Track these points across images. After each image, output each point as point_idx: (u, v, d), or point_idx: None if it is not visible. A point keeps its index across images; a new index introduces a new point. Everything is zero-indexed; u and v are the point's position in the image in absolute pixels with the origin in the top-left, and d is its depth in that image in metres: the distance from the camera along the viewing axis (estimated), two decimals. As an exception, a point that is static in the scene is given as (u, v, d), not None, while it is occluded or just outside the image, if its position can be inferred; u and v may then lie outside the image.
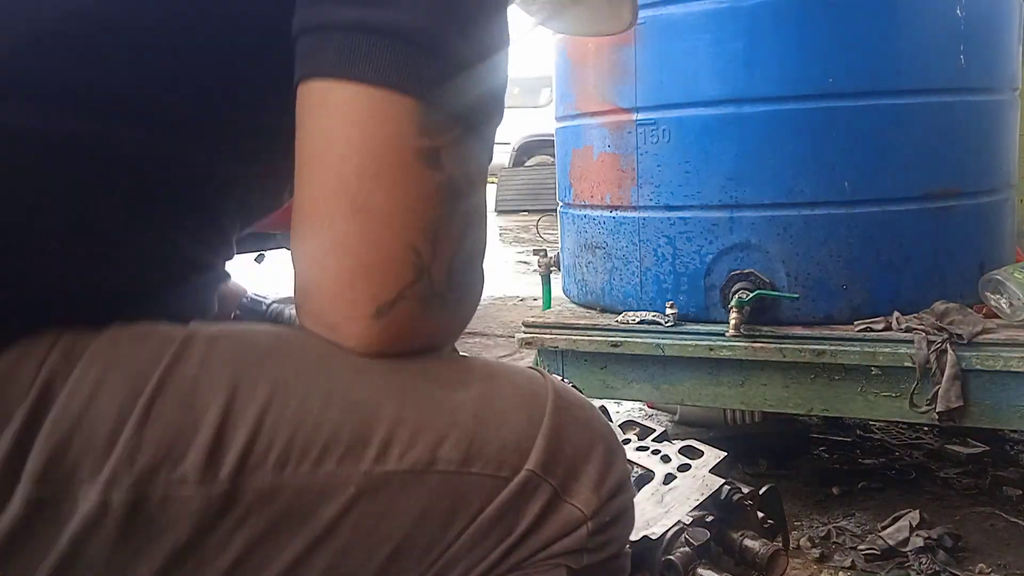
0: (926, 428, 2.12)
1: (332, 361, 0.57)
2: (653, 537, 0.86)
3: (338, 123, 0.55)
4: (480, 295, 0.65)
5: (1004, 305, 1.65)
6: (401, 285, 0.55)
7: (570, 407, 0.62)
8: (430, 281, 0.57)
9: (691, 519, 0.89)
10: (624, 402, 2.34)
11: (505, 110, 0.63)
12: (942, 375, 1.54)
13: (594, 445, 0.61)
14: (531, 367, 0.67)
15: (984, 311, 1.67)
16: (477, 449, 0.57)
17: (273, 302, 0.90)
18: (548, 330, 1.91)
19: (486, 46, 0.59)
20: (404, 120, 0.54)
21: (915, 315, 1.64)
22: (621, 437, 1.03)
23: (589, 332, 1.85)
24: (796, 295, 1.69)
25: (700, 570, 0.83)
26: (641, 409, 2.37)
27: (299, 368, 0.56)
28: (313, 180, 0.56)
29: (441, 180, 0.56)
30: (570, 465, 0.59)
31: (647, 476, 0.96)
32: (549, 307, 2.23)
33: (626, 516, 0.63)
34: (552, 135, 2.17)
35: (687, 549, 0.85)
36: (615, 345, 1.81)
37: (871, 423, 2.19)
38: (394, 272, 0.55)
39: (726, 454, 0.97)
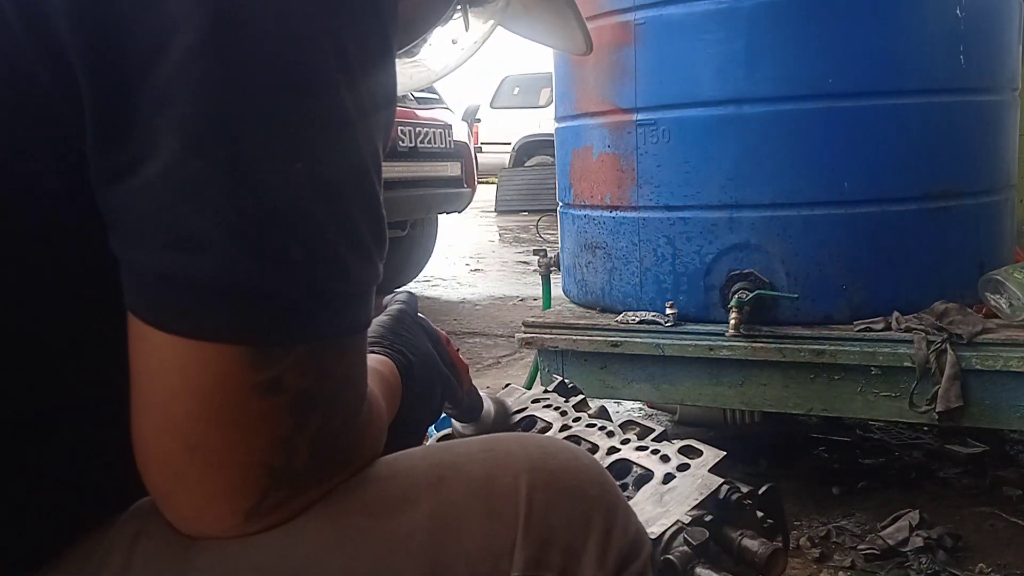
0: (926, 428, 2.12)
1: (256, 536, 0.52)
2: (652, 537, 0.86)
3: (159, 367, 0.49)
4: (366, 434, 0.58)
5: (1004, 305, 1.65)
6: (259, 494, 0.50)
7: (553, 479, 0.56)
8: (292, 475, 0.51)
9: (690, 519, 0.88)
10: (624, 402, 2.34)
11: (379, 270, 0.54)
12: (942, 375, 1.54)
13: (590, 515, 0.55)
14: (500, 435, 0.62)
15: (984, 311, 1.67)
16: (442, 575, 0.52)
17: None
18: (548, 330, 1.91)
19: (325, 249, 0.50)
20: (232, 364, 0.48)
21: (915, 315, 1.64)
22: (621, 437, 1.03)
23: (589, 332, 1.86)
24: (795, 295, 1.69)
25: (699, 569, 0.83)
26: (641, 409, 2.37)
27: (222, 556, 0.52)
28: (144, 412, 0.50)
29: (286, 401, 0.50)
30: (567, 548, 0.54)
31: (646, 476, 0.96)
32: (549, 307, 2.23)
33: None
34: (552, 135, 2.17)
35: (686, 548, 0.85)
36: (615, 345, 1.81)
37: (871, 423, 2.19)
38: (247, 490, 0.50)
39: (725, 454, 0.97)
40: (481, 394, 1.01)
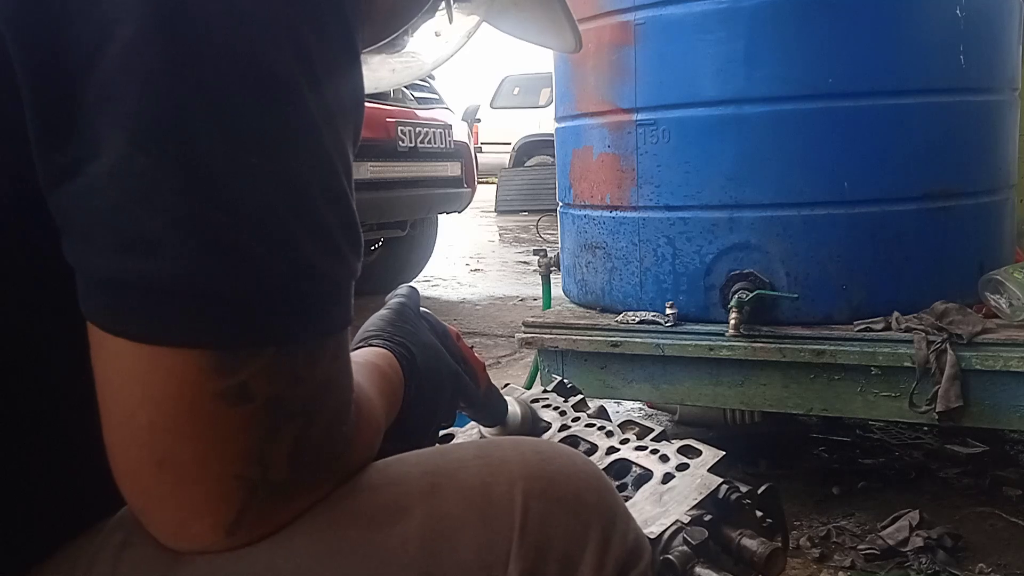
0: (926, 428, 2.12)
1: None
2: (651, 537, 0.86)
3: (119, 376, 0.47)
4: (355, 440, 0.55)
5: (1004, 305, 1.65)
6: (237, 508, 0.48)
7: (550, 486, 0.54)
8: (271, 487, 0.49)
9: (689, 518, 0.88)
10: (624, 402, 2.34)
11: (358, 261, 0.52)
12: (942, 375, 1.54)
13: (588, 523, 0.54)
14: (496, 436, 0.60)
15: (984, 311, 1.67)
16: None
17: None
18: (548, 330, 1.91)
19: (287, 246, 0.47)
20: (193, 370, 0.45)
21: (915, 315, 1.64)
22: (620, 437, 1.03)
23: (589, 332, 1.86)
24: (795, 295, 1.69)
25: (698, 569, 0.83)
26: (641, 409, 2.37)
27: (210, 568, 0.50)
28: (110, 424, 0.48)
29: (255, 409, 0.47)
30: (564, 557, 0.53)
31: (645, 475, 0.96)
32: (549, 307, 2.23)
33: None
34: (552, 135, 2.17)
35: (685, 548, 0.85)
36: (615, 345, 1.81)
37: (871, 423, 2.19)
38: (223, 504, 0.48)
39: (724, 453, 0.97)
40: (507, 397, 0.97)
